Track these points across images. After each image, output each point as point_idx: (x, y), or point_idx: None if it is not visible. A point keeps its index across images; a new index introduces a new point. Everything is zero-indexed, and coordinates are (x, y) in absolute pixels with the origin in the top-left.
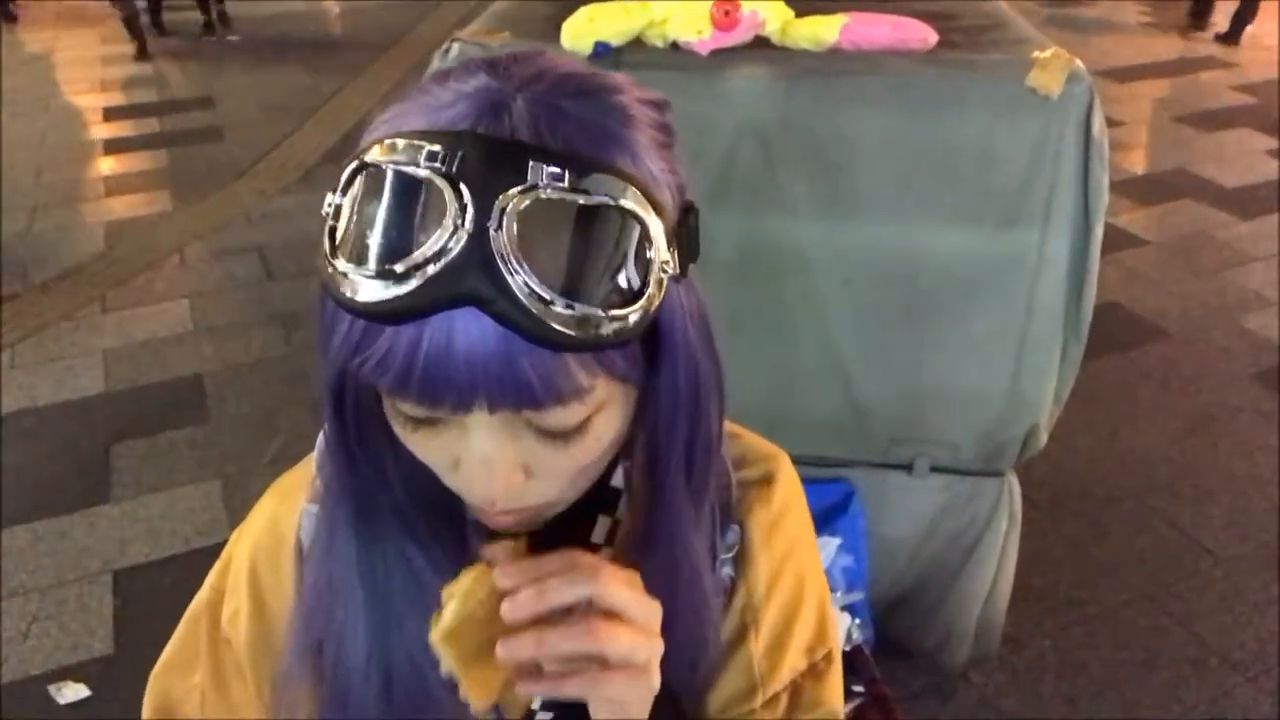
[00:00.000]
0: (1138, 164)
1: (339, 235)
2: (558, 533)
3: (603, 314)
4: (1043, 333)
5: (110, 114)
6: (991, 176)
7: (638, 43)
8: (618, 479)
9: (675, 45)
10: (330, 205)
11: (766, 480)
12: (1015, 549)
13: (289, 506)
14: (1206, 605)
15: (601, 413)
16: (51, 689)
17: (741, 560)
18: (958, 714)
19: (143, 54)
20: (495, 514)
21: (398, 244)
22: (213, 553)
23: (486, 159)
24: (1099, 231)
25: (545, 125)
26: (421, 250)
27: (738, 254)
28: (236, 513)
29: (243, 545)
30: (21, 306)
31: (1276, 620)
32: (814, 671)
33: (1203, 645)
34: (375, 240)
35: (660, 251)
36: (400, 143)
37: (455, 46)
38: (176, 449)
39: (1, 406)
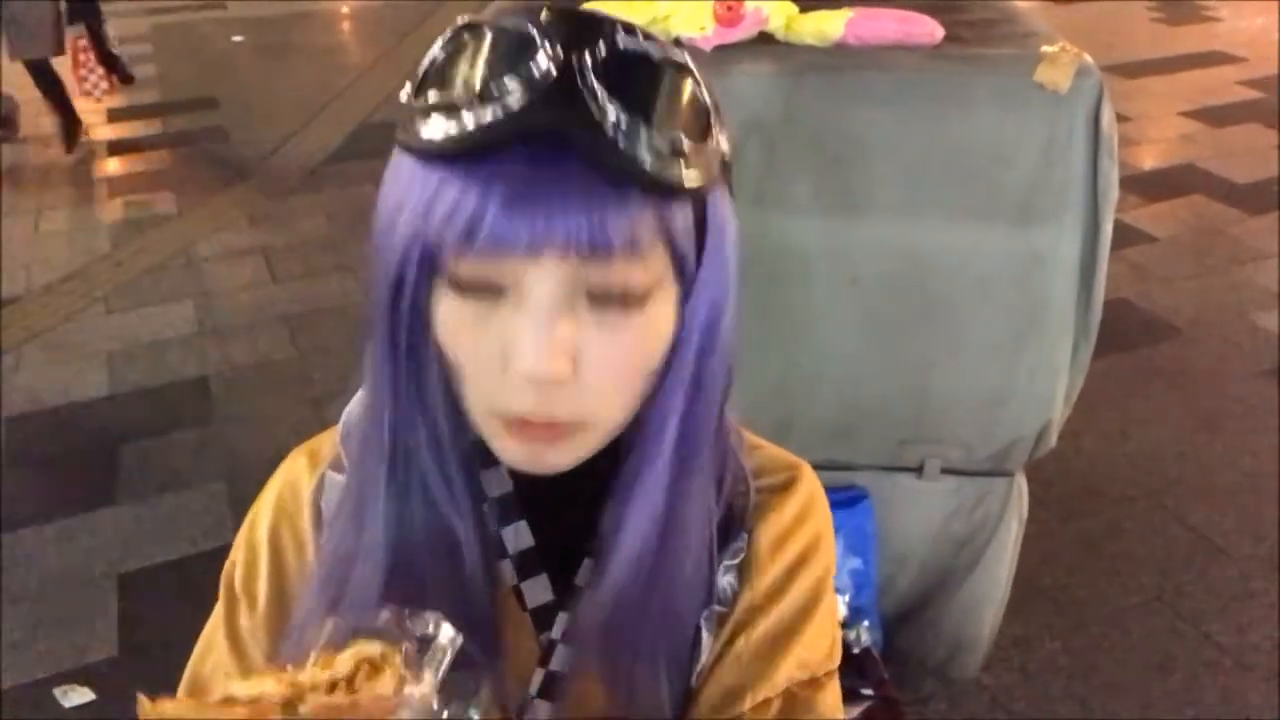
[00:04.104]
0: (1146, 159)
1: (429, 81)
2: (571, 492)
3: (674, 150)
4: (1054, 330)
5: (114, 115)
6: (1000, 173)
7: None
8: None
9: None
10: (412, 81)
11: (783, 487)
12: (1018, 550)
13: (311, 469)
14: (1219, 605)
15: (654, 301)
16: (56, 692)
17: (746, 567)
18: (968, 717)
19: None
20: (534, 427)
21: (489, 75)
22: (218, 555)
23: (575, 19)
24: (1108, 228)
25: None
26: (512, 78)
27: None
28: (242, 514)
29: (264, 504)
30: (26, 308)
31: None
32: (813, 683)
33: (1215, 646)
34: (467, 73)
35: (720, 139)
36: (495, 15)
37: None
38: (182, 451)
39: (6, 408)
